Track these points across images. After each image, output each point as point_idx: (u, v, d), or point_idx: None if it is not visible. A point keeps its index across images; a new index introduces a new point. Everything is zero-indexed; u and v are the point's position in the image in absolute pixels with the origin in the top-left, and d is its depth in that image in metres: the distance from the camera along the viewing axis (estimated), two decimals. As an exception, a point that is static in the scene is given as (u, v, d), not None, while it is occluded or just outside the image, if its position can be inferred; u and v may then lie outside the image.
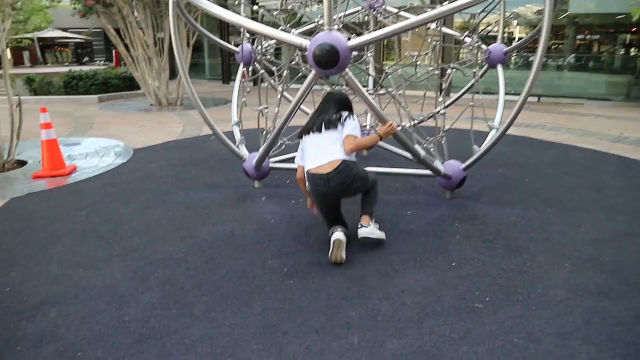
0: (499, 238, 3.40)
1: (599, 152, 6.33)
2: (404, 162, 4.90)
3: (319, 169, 3.07)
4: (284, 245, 3.27)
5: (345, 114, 3.21)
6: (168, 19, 10.93)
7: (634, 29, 13.45)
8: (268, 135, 4.47)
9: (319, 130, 3.17)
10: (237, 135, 4.80)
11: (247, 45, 5.34)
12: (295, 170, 4.66)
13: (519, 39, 14.51)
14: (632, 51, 13.67)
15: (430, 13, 2.90)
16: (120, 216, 3.86)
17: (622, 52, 13.97)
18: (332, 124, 3.13)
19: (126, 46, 11.25)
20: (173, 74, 14.21)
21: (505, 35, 5.15)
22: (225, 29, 17.41)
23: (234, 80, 5.52)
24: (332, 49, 2.73)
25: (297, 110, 3.41)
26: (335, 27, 2.79)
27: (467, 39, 4.88)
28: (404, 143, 3.50)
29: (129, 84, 13.86)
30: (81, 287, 2.70)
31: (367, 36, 2.88)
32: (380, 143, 5.29)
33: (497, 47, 5.02)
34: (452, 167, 4.07)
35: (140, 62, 11.23)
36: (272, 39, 4.43)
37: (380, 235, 3.26)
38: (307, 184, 3.25)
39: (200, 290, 2.64)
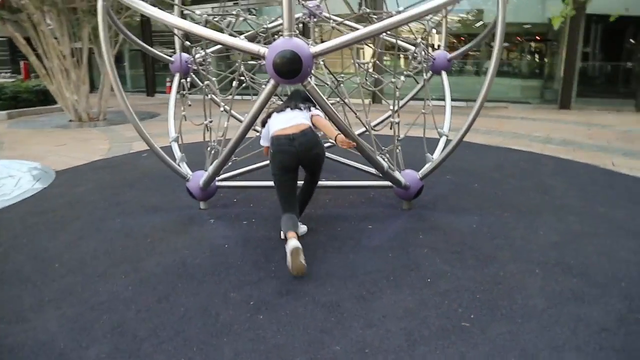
0: (466, 248, 3.32)
1: (534, 153, 6.61)
2: (352, 172, 4.77)
3: (285, 131, 3.17)
4: (244, 273, 2.96)
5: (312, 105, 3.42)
6: (85, 28, 10.21)
7: (540, 38, 14.59)
8: (212, 151, 4.13)
9: (284, 110, 3.33)
10: (177, 153, 4.40)
11: (182, 55, 4.97)
12: (243, 187, 4.41)
13: (437, 46, 15.16)
14: (542, 58, 14.79)
15: (393, 19, 2.76)
16: (48, 252, 3.34)
17: (535, 58, 15.02)
18: (299, 109, 3.30)
19: (38, 57, 10.25)
20: (93, 86, 13.23)
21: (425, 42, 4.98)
22: (149, 38, 16.55)
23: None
24: (294, 57, 2.49)
25: (252, 125, 3.12)
26: (295, 32, 2.55)
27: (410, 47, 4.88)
28: (367, 155, 3.32)
29: (43, 99, 12.66)
30: (6, 348, 2.23)
31: (330, 43, 2.67)
32: (328, 154, 5.11)
33: (441, 54, 5.03)
34: (409, 176, 3.98)
35: (55, 74, 10.27)
36: (220, 45, 4.11)
37: (303, 230, 3.54)
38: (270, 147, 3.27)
39: (157, 337, 2.27)
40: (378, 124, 5.08)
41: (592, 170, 5.65)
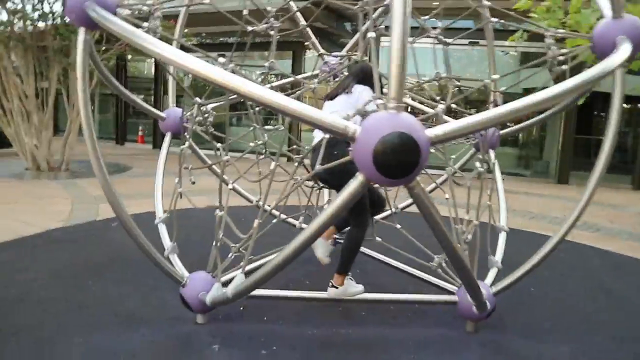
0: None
1: (567, 242, 5.82)
2: (379, 268, 3.82)
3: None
4: None
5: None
6: (55, 68, 9.14)
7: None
8: (219, 244, 3.02)
9: (334, 98, 3.10)
10: (166, 241, 3.30)
11: (175, 110, 4.03)
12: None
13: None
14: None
15: (545, 94, 1.88)
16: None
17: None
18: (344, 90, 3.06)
19: (-4, 96, 9.07)
20: (56, 130, 11.96)
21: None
22: (123, 83, 15.55)
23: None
24: (409, 144, 1.53)
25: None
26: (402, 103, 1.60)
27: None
28: (461, 266, 2.31)
29: (-3, 141, 11.31)
30: None
31: (456, 124, 1.74)
32: (367, 250, 4.17)
33: (489, 129, 4.25)
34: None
35: (15, 116, 9.05)
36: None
37: (354, 292, 3.03)
38: None
39: None
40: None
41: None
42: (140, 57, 14.56)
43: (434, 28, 3.20)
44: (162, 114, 4.04)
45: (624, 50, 2.21)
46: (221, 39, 14.30)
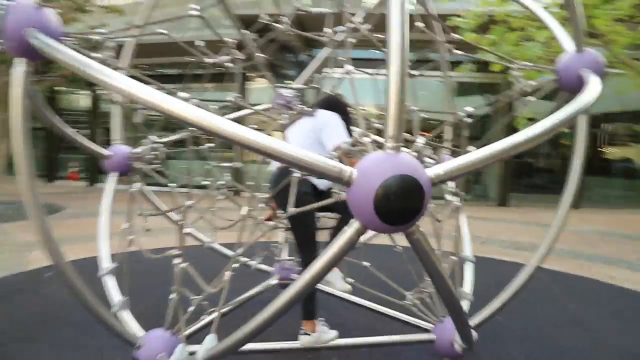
0: None
1: (517, 264, 5.97)
2: (345, 308, 3.63)
3: None
4: None
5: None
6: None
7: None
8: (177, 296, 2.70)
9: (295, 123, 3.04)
10: (113, 295, 2.92)
11: (122, 148, 3.72)
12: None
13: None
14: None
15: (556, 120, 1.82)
16: None
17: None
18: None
19: None
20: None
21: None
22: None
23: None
24: (414, 187, 1.37)
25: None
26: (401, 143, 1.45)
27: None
28: (455, 307, 2.14)
29: None
30: None
31: (460, 161, 1.58)
32: (324, 287, 3.94)
33: (447, 159, 4.26)
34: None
35: None
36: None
37: (327, 338, 2.85)
38: None
39: None
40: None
41: (598, 286, 5.12)
42: (75, 88, 13.83)
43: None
44: (105, 153, 3.71)
45: (596, 83, 2.23)
46: (160, 71, 13.87)
